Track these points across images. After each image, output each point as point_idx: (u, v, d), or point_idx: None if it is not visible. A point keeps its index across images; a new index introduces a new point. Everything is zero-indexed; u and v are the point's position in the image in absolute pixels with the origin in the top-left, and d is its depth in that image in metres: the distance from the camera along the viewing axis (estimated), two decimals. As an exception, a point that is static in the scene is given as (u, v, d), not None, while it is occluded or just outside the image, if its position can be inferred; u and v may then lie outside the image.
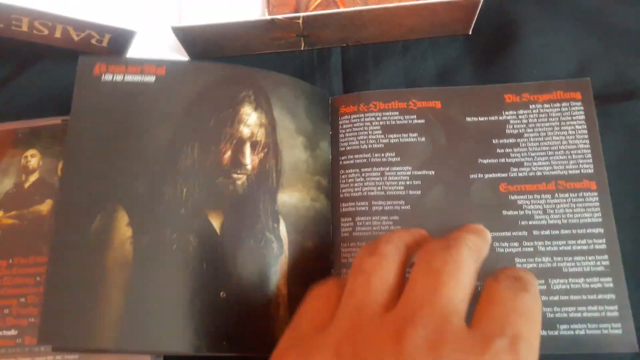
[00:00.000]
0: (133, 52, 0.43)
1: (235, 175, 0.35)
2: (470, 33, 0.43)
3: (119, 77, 0.37)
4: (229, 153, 0.36)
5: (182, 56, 0.44)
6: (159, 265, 0.33)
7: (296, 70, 0.43)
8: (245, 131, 0.36)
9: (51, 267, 0.34)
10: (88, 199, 0.35)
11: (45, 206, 0.40)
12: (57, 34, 0.41)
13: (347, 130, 0.39)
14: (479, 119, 0.38)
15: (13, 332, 0.37)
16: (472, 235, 0.30)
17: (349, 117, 0.40)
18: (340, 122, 0.40)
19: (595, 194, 0.36)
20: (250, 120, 0.37)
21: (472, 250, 0.28)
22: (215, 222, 0.34)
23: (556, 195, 0.36)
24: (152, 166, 0.35)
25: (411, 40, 0.43)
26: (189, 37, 0.41)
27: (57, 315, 0.33)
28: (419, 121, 0.39)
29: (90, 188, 0.35)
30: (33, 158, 0.41)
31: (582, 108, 0.38)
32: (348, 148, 0.39)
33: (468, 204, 0.36)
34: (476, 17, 0.41)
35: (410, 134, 0.38)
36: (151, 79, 0.37)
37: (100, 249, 0.34)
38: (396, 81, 0.42)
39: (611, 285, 0.34)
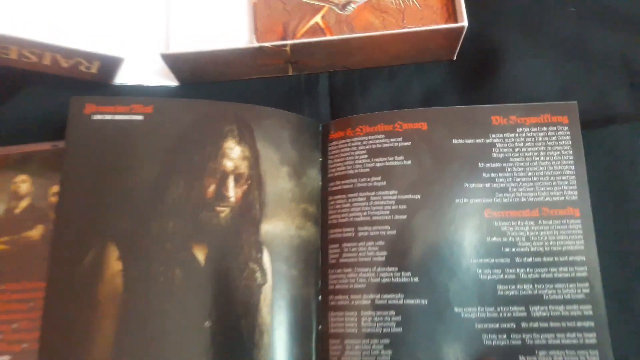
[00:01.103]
0: (122, 77, 0.44)
1: (218, 208, 0.37)
2: (454, 59, 0.43)
3: (108, 116, 0.38)
4: (212, 187, 0.37)
5: (171, 81, 0.44)
6: (147, 296, 0.35)
7: (284, 95, 0.44)
8: (228, 165, 0.38)
9: (47, 302, 0.35)
10: (81, 235, 0.36)
11: (36, 232, 0.40)
12: (46, 61, 0.42)
13: (336, 156, 0.40)
14: (466, 141, 0.39)
15: (6, 358, 0.38)
16: None
17: (337, 142, 0.40)
18: (329, 149, 0.40)
19: (579, 221, 0.36)
20: (234, 154, 0.38)
21: None
22: (200, 255, 0.36)
23: (540, 222, 0.37)
24: (140, 202, 0.37)
25: (397, 66, 0.44)
26: (177, 64, 0.42)
27: (54, 349, 0.35)
28: (405, 144, 0.39)
29: (83, 224, 0.36)
30: (24, 184, 0.41)
31: (568, 133, 0.38)
32: (336, 174, 0.39)
33: (453, 229, 0.37)
34: (460, 43, 0.41)
35: (396, 157, 0.39)
36: (140, 117, 0.38)
37: (93, 283, 0.35)
38: (383, 105, 0.43)
39: (590, 312, 0.35)
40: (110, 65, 0.42)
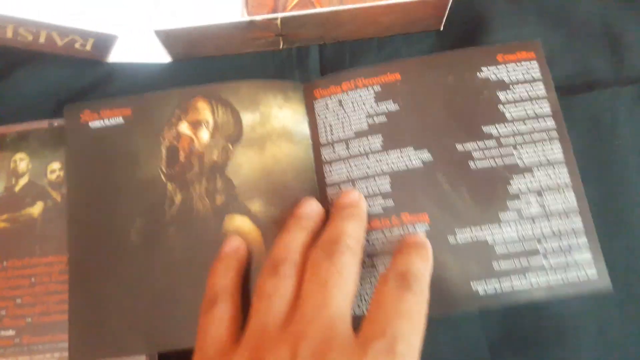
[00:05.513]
0: (117, 54, 0.44)
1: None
2: (441, 29, 0.44)
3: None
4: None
5: (164, 58, 0.45)
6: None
7: (276, 68, 0.44)
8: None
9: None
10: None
11: (36, 209, 0.41)
12: (42, 40, 0.42)
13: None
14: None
15: (11, 333, 0.38)
16: (351, 225, 0.34)
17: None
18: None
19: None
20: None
21: (352, 250, 0.32)
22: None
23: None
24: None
25: (386, 37, 0.45)
26: (170, 40, 0.42)
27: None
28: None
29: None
30: (22, 161, 0.42)
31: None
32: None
33: None
34: (447, 13, 0.42)
35: None
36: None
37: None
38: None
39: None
40: (104, 42, 0.42)
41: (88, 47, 0.43)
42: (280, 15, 0.41)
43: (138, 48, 0.44)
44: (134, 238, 0.38)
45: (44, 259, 0.40)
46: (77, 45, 0.43)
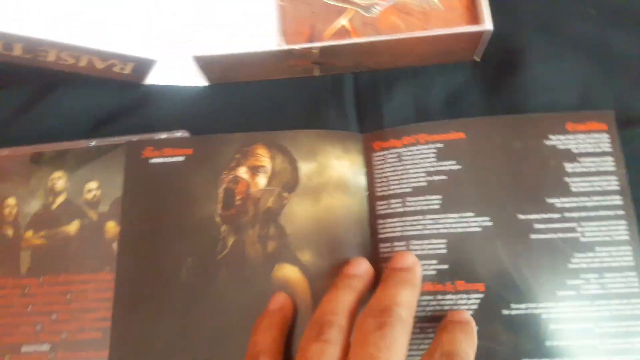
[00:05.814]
0: (154, 77, 0.45)
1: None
2: (478, 60, 0.44)
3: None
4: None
5: (200, 81, 0.45)
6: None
7: (311, 95, 0.45)
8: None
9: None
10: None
11: (73, 227, 0.42)
12: (82, 63, 0.43)
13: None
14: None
15: (46, 348, 0.39)
16: (404, 293, 0.32)
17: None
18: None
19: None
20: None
21: (404, 321, 0.30)
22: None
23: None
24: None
25: (420, 67, 0.45)
26: (208, 65, 0.43)
27: None
28: None
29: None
30: (59, 180, 0.43)
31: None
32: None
33: None
34: (484, 46, 0.42)
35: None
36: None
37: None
38: (407, 106, 0.44)
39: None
40: (143, 66, 0.43)
41: (127, 71, 0.44)
42: (318, 44, 0.41)
43: (174, 71, 0.45)
44: (184, 276, 0.39)
45: (79, 276, 0.41)
46: (116, 69, 0.43)
